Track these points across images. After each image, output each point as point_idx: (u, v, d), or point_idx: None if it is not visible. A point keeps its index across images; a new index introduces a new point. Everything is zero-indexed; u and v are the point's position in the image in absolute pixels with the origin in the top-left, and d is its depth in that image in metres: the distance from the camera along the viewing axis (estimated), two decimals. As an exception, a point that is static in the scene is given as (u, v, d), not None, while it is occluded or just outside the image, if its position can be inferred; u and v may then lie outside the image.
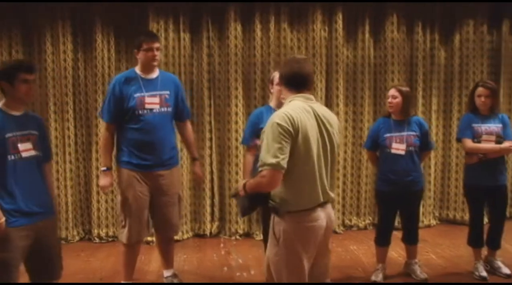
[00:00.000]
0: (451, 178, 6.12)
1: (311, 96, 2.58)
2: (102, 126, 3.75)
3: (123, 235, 3.81)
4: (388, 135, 4.06)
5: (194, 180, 4.23)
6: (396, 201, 4.10)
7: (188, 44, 5.51)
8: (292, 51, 5.61)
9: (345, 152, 5.85)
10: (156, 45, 3.74)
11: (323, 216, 2.56)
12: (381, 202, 4.23)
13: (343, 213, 5.95)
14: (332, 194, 2.61)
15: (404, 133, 4.04)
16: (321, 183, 2.55)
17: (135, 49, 3.78)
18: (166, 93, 3.78)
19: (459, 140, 4.34)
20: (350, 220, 5.98)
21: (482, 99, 4.12)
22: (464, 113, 4.54)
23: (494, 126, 4.16)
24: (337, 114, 5.69)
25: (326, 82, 5.74)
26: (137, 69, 3.78)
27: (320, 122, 2.55)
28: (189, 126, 4.08)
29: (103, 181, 3.83)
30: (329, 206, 2.62)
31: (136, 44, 3.75)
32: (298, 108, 2.49)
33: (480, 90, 4.14)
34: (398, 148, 4.01)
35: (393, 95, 4.03)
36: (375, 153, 4.28)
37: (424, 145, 4.15)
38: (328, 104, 5.76)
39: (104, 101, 3.81)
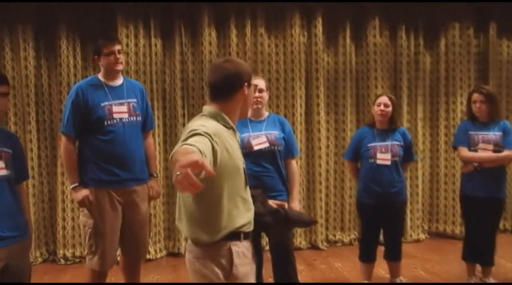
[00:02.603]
0: (440, 189, 5.98)
1: (204, 108, 2.25)
2: (62, 141, 3.48)
3: (93, 262, 3.50)
4: (372, 144, 3.97)
5: (151, 197, 3.82)
6: (380, 214, 3.98)
7: (160, 51, 5.31)
8: (270, 57, 5.50)
9: (327, 163, 5.68)
10: (117, 47, 3.49)
11: None
12: (363, 215, 4.10)
13: (327, 228, 5.75)
14: (179, 226, 2.26)
15: (388, 143, 3.97)
16: None
17: (95, 55, 3.54)
18: (133, 101, 3.58)
19: (454, 148, 4.25)
20: (334, 235, 5.79)
21: (477, 105, 4.02)
22: (459, 121, 4.47)
23: (492, 134, 4.03)
24: (318, 123, 5.57)
25: (306, 89, 5.58)
26: (100, 76, 3.55)
27: None
28: (150, 138, 3.84)
29: (79, 194, 3.46)
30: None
31: (95, 49, 3.53)
32: None
33: (475, 96, 4.04)
34: (384, 158, 3.93)
35: (385, 104, 3.95)
36: (356, 164, 4.16)
37: (407, 155, 4.06)
38: (308, 112, 5.61)
39: (64, 113, 3.51)
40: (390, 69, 5.79)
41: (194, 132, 1.90)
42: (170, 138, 5.37)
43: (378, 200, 3.93)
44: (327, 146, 5.69)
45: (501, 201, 4.08)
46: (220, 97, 2.13)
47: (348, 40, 5.68)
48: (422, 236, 5.91)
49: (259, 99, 3.49)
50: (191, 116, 5.32)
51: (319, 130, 5.59)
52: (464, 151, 4.07)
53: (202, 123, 2.01)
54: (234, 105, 2.15)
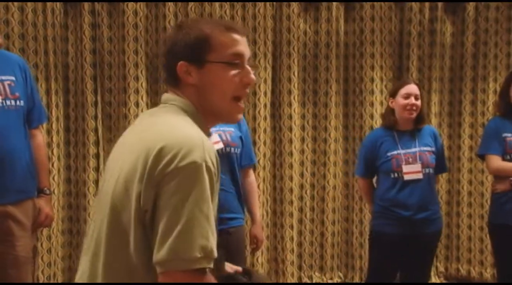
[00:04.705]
0: (461, 215, 5.64)
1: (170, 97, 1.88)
2: None
3: None
4: (393, 152, 3.86)
5: (38, 223, 3.52)
6: (403, 249, 3.88)
7: (60, 8, 4.83)
8: None
9: (302, 175, 5.43)
10: None
11: None
12: (379, 251, 3.98)
13: (299, 267, 5.52)
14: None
15: (416, 149, 3.88)
16: None
17: None
18: (9, 78, 3.31)
19: (481, 156, 4.15)
20: (310, 277, 5.53)
21: None
22: (491, 117, 4.55)
23: None
24: (290, 118, 5.38)
25: (272, 70, 5.32)
26: None
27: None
28: (40, 136, 3.58)
29: None
30: None
31: None
32: None
33: None
34: (412, 170, 3.84)
35: (416, 95, 3.85)
36: (371, 181, 4.09)
37: (438, 165, 3.98)
38: (276, 103, 5.40)
39: None
40: (394, 42, 5.51)
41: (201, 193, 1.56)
42: (76, 137, 4.99)
43: (405, 229, 3.84)
44: (302, 152, 5.41)
45: None
46: (170, 83, 1.84)
47: (334, 2, 5.37)
48: (436, 280, 5.63)
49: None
50: (107, 105, 5.03)
51: (290, 129, 5.35)
52: (497, 161, 3.94)
53: (193, 136, 1.64)
54: (191, 97, 1.79)
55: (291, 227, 5.31)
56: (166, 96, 1.81)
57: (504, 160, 3.94)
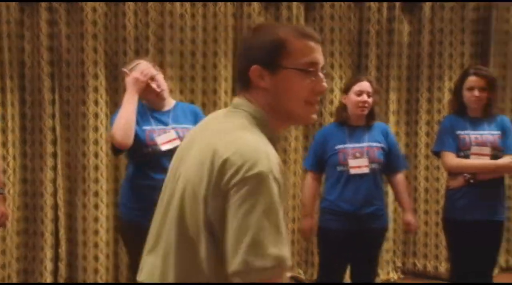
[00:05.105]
0: (418, 211, 5.67)
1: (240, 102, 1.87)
2: None
3: None
4: (341, 146, 3.87)
5: None
6: (350, 244, 3.86)
7: (15, 4, 4.78)
8: (183, 20, 5.11)
9: None
10: None
11: None
12: (326, 246, 3.97)
13: None
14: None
15: (365, 144, 3.88)
16: None
17: None
18: None
19: (436, 153, 4.15)
20: None
21: (476, 93, 3.89)
22: (446, 114, 4.52)
23: (488, 134, 3.94)
24: None
25: (233, 69, 5.27)
26: None
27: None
28: None
29: None
30: None
31: None
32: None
33: (472, 80, 3.91)
34: (358, 165, 3.85)
35: (368, 92, 3.86)
36: (319, 177, 4.05)
37: (392, 163, 3.95)
38: None
39: None
40: (353, 41, 5.54)
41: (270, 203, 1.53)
42: (32, 136, 4.93)
43: (349, 224, 3.83)
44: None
45: (502, 225, 4.04)
46: (240, 85, 1.84)
47: (294, 2, 5.37)
48: (393, 275, 5.67)
49: None
50: (65, 104, 4.95)
51: (250, 127, 5.19)
52: (452, 158, 3.95)
53: (259, 147, 1.62)
54: (262, 100, 1.77)
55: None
56: (237, 100, 1.79)
57: (459, 157, 3.96)
